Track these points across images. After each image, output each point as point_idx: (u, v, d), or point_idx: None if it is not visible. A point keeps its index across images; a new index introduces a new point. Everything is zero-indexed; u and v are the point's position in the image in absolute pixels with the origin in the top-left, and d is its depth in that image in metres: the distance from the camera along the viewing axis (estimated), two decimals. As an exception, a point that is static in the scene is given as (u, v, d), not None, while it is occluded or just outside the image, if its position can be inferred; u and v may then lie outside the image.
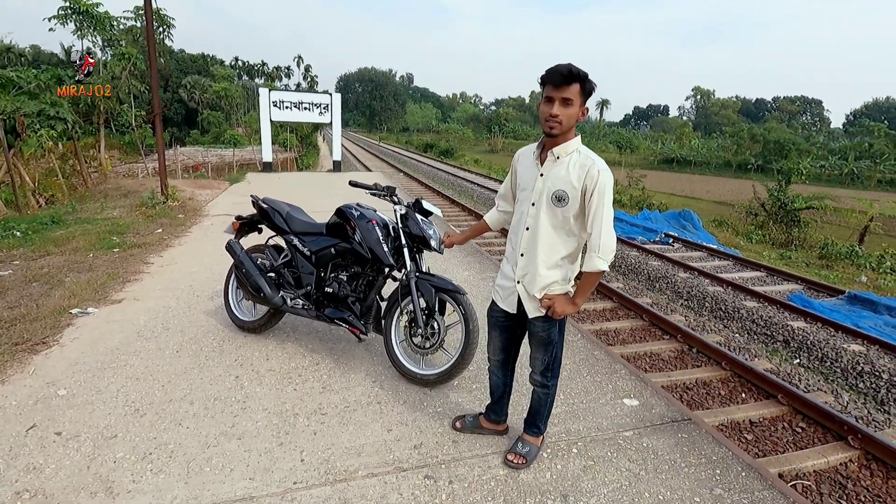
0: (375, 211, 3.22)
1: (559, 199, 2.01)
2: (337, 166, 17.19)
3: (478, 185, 19.05)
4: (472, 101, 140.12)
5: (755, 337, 5.86)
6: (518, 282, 2.18)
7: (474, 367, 3.26)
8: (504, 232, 10.62)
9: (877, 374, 4.83)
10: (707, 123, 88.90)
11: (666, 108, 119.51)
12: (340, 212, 3.22)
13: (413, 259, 2.99)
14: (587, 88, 1.91)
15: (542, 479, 2.29)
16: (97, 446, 2.42)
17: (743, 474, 2.37)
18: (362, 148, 46.50)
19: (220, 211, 8.72)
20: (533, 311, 2.17)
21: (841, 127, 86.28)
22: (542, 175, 2.07)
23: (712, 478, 2.35)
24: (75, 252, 5.88)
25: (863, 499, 3.08)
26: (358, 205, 3.22)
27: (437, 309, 2.94)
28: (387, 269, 3.20)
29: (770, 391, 4.28)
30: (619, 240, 10.13)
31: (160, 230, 7.10)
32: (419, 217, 3.05)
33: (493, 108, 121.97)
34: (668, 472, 2.37)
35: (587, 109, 1.97)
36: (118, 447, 2.42)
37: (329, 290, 3.25)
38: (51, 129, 10.62)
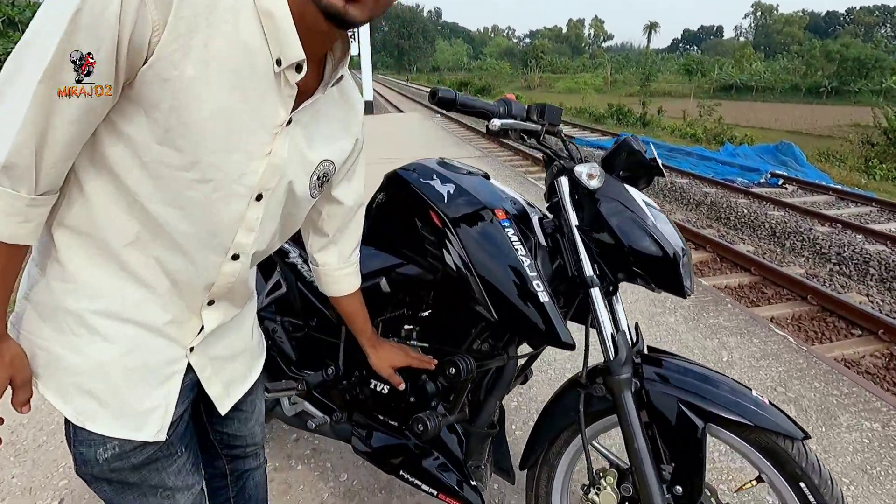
0: (490, 180, 1.26)
1: None
2: (368, 108, 15.42)
3: (526, 123, 16.92)
4: (506, 33, 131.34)
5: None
6: None
7: None
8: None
9: None
10: (769, 44, 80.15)
11: (720, 30, 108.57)
12: (399, 183, 1.24)
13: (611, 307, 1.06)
14: None
15: None
16: None
17: None
18: (393, 90, 43.76)
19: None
20: None
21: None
22: None
23: None
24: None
25: None
26: (445, 161, 1.27)
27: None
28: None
29: None
30: (715, 182, 8.18)
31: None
32: (629, 189, 1.05)
33: (529, 40, 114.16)
34: None
35: None
36: None
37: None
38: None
